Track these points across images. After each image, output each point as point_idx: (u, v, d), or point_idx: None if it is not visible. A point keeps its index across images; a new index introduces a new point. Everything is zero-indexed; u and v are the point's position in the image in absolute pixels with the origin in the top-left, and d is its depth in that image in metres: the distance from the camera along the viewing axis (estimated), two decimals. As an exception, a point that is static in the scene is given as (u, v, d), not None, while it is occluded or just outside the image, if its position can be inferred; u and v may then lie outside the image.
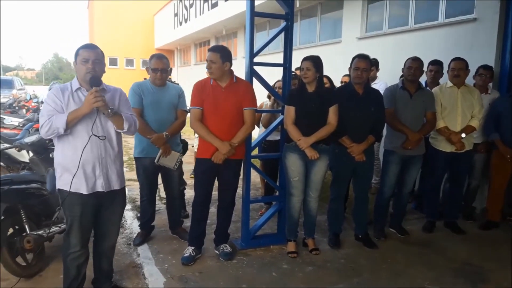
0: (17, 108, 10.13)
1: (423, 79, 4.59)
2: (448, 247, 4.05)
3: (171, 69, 4.43)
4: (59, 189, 2.73)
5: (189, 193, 5.21)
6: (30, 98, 11.09)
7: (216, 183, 3.69)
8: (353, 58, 3.77)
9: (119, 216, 3.00)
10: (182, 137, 4.65)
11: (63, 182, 2.67)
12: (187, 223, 4.23)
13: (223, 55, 3.39)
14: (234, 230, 4.14)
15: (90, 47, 2.67)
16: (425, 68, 4.28)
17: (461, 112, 4.18)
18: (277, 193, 4.28)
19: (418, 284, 3.31)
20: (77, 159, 2.59)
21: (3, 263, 3.11)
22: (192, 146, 6.19)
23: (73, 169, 2.60)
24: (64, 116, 2.53)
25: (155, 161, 3.71)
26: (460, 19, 5.44)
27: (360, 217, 4.10)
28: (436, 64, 4.66)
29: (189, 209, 4.60)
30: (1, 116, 8.06)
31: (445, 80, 4.44)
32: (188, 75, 18.49)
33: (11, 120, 7.75)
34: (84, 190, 2.66)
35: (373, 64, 4.84)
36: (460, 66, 4.17)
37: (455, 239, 4.26)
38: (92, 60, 2.62)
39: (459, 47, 5.24)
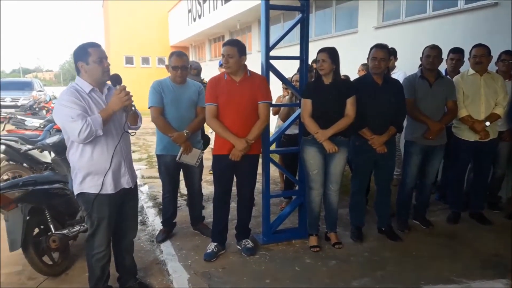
0: (37, 109, 10.30)
1: (443, 68, 4.49)
2: (474, 238, 3.97)
3: (191, 66, 4.41)
4: (80, 193, 2.64)
5: (208, 189, 5.23)
6: (50, 99, 11.29)
7: (234, 178, 3.69)
8: (371, 48, 3.71)
9: (137, 209, 3.09)
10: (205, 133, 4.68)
11: (87, 185, 2.61)
12: (208, 219, 4.25)
13: (240, 49, 3.39)
14: (255, 225, 4.14)
15: (99, 46, 2.56)
16: (444, 56, 4.17)
17: (484, 100, 4.06)
18: (297, 187, 4.25)
19: (444, 276, 3.25)
20: (107, 160, 2.58)
21: (30, 262, 3.18)
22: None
23: (102, 171, 2.58)
24: (98, 117, 2.45)
25: (177, 158, 3.71)
26: (481, 4, 5.28)
27: (382, 209, 4.05)
28: (457, 52, 4.54)
29: (207, 205, 4.62)
30: (23, 118, 8.23)
31: (466, 68, 4.33)
32: (203, 71, 18.49)
33: (32, 122, 7.91)
34: (111, 190, 2.66)
35: (391, 53, 4.74)
36: (482, 52, 4.05)
37: (481, 230, 4.17)
38: (106, 58, 2.56)
39: (479, 33, 5.09)
